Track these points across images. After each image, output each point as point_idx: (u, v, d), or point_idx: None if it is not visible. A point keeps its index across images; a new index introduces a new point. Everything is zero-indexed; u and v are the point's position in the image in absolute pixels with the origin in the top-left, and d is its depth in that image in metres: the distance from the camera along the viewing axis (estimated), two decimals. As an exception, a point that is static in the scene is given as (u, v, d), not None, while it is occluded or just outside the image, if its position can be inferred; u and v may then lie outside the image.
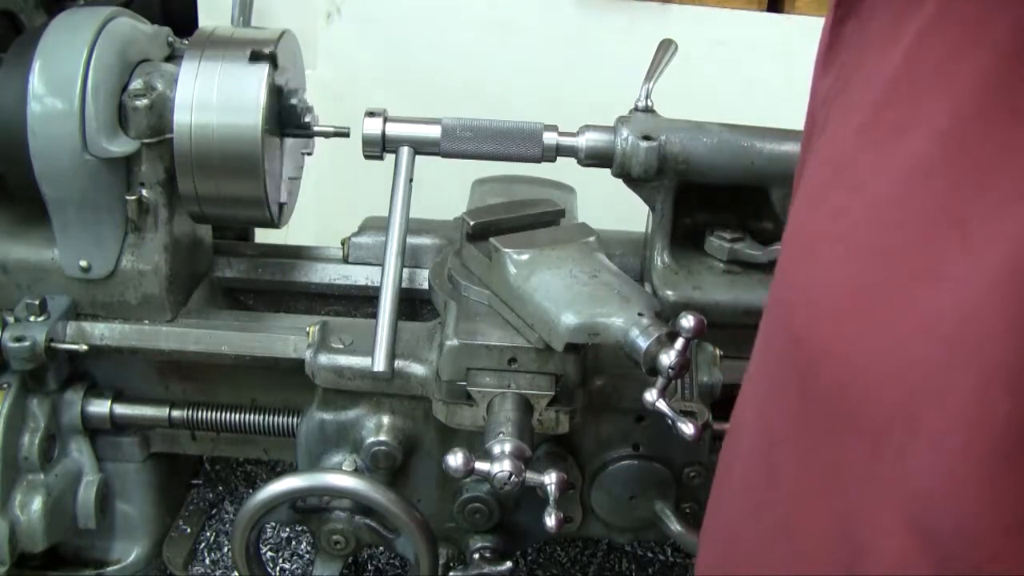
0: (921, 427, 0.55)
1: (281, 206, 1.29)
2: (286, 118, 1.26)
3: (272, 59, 1.20)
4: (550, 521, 1.02)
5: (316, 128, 1.32)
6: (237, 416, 1.35)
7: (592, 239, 1.17)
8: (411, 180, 1.23)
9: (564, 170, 1.31)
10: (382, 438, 1.22)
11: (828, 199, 0.65)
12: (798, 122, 1.25)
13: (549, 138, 1.25)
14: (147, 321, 1.30)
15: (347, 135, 1.32)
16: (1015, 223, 0.52)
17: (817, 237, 0.65)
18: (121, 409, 1.34)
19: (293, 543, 1.54)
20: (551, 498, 1.03)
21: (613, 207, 1.32)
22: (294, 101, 1.26)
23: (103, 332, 1.29)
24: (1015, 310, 0.51)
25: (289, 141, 1.31)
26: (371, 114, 1.24)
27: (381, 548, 1.47)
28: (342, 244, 1.46)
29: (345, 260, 1.47)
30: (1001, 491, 0.53)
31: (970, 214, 0.55)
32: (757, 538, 0.70)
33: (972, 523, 0.54)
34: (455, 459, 1.00)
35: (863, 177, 0.62)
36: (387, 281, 1.16)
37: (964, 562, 0.54)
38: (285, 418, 1.34)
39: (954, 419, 0.54)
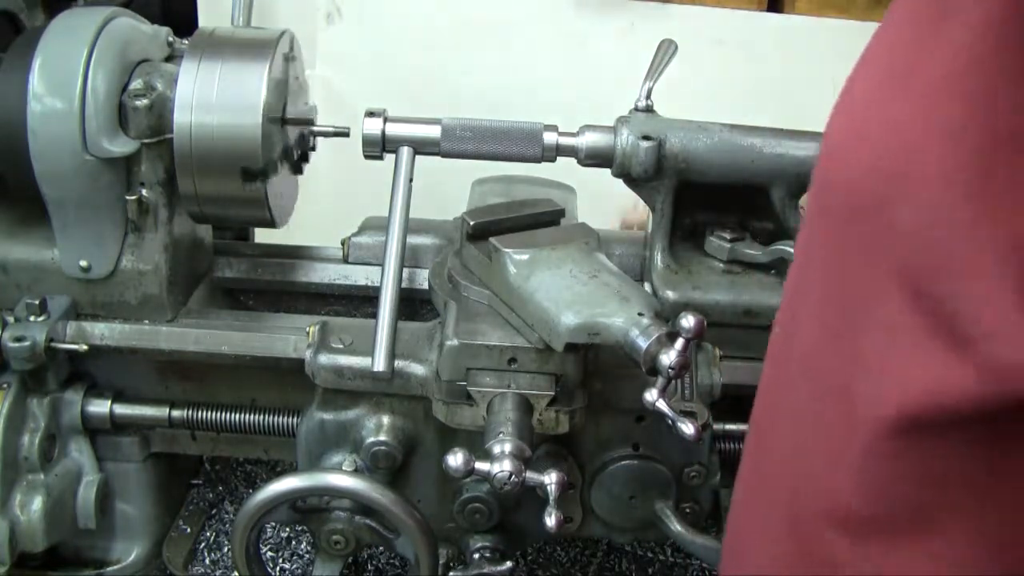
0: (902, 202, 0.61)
1: (286, 207, 1.29)
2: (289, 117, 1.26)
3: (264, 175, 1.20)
4: (550, 521, 1.02)
5: (316, 128, 1.33)
6: (237, 416, 1.35)
7: (592, 239, 1.17)
8: (411, 180, 1.23)
9: (564, 170, 1.31)
10: (382, 438, 1.22)
11: (866, 52, 0.70)
12: (798, 122, 1.26)
13: (549, 138, 1.25)
14: (147, 321, 1.30)
15: (347, 135, 1.32)
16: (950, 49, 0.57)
17: (850, 81, 0.70)
18: (121, 409, 1.34)
19: (293, 543, 1.54)
20: (551, 498, 1.02)
21: (613, 207, 1.32)
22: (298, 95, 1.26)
23: (103, 332, 1.29)
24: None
25: (288, 139, 1.31)
26: (371, 114, 1.24)
27: (381, 548, 1.47)
28: (342, 244, 1.46)
29: (345, 260, 1.47)
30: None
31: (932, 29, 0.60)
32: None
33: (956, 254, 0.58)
34: (455, 459, 1.00)
35: (889, 16, 0.67)
36: (387, 281, 1.16)
37: (944, 286, 0.58)
38: (285, 418, 1.34)
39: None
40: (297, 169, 1.36)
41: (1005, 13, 0.56)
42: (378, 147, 1.24)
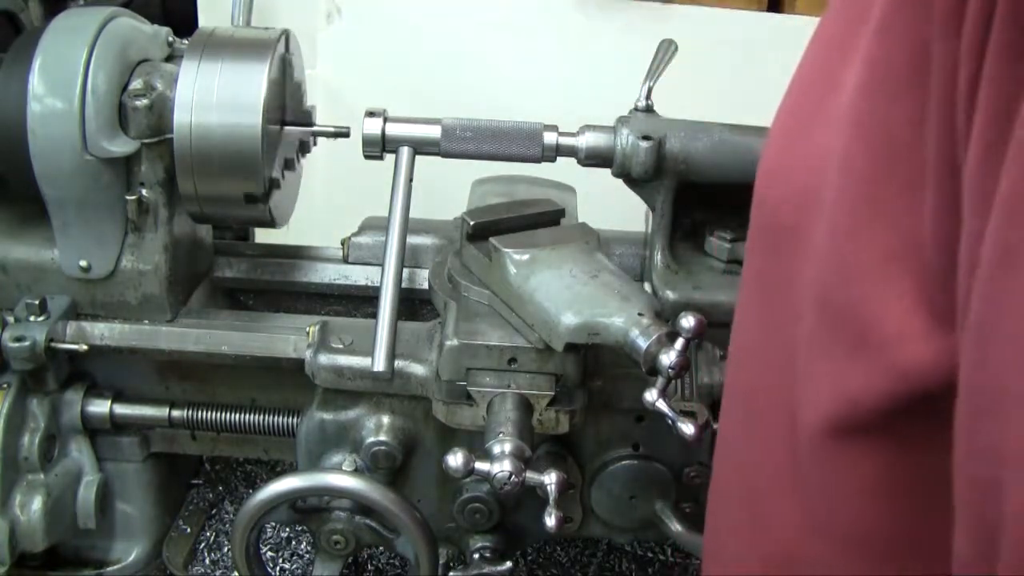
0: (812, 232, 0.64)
1: (273, 181, 1.28)
2: (289, 113, 1.26)
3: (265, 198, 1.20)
4: (550, 521, 1.02)
5: (316, 128, 1.33)
6: (237, 416, 1.35)
7: (592, 239, 1.17)
8: (411, 180, 1.23)
9: (564, 170, 1.31)
10: (382, 438, 1.22)
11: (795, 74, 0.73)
12: (798, 122, 1.25)
13: (549, 138, 1.25)
14: (147, 321, 1.30)
15: (347, 135, 1.32)
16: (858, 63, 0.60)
17: (782, 104, 0.73)
18: (121, 409, 1.34)
19: (293, 543, 1.54)
20: (551, 498, 1.02)
21: (613, 207, 1.32)
22: (298, 94, 1.26)
23: (103, 332, 1.29)
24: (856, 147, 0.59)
25: (288, 132, 1.31)
26: (371, 114, 1.24)
27: (381, 548, 1.47)
28: (342, 244, 1.46)
29: (345, 260, 1.47)
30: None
31: (849, 46, 0.62)
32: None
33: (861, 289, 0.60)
34: (455, 459, 1.00)
35: (819, 30, 0.71)
36: (387, 281, 1.16)
37: (850, 293, 0.60)
38: (285, 418, 1.34)
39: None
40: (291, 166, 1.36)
41: (884, 24, 0.59)
42: (378, 147, 1.24)
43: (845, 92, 0.61)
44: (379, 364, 1.13)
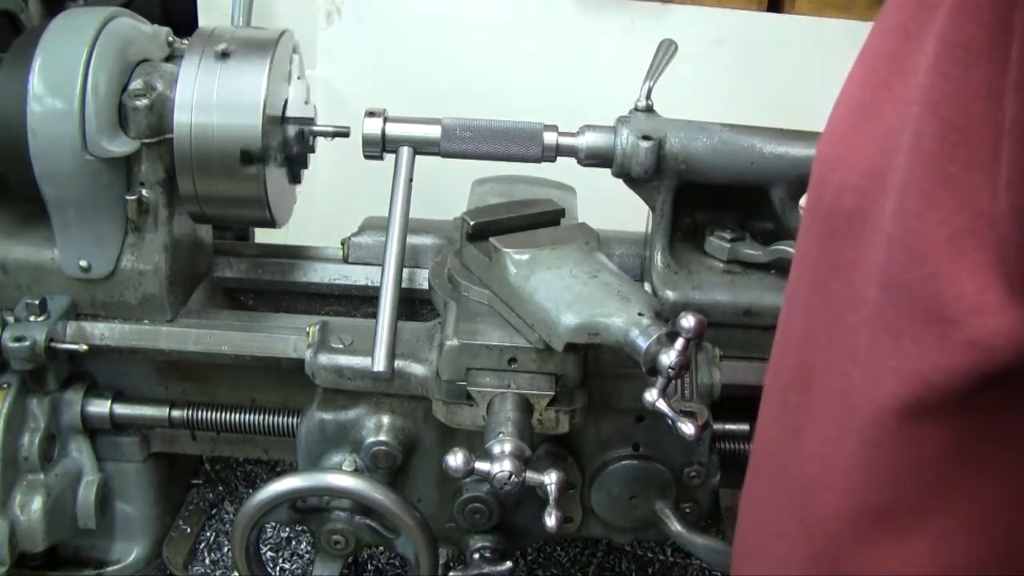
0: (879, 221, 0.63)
1: (286, 207, 1.29)
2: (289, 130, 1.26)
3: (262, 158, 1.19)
4: (550, 521, 1.02)
5: (316, 128, 1.33)
6: (237, 416, 1.35)
7: (592, 239, 1.17)
8: (411, 180, 1.23)
9: (564, 170, 1.31)
10: (382, 438, 1.22)
11: (857, 59, 0.72)
12: (798, 122, 1.25)
13: (549, 138, 1.25)
14: (147, 321, 1.30)
15: (347, 135, 1.32)
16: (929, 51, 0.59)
17: (843, 88, 0.72)
18: (121, 409, 1.34)
19: (293, 543, 1.54)
20: (551, 498, 1.02)
21: (613, 207, 1.32)
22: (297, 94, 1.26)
23: (103, 332, 1.29)
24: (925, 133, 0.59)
25: (288, 138, 1.31)
26: (371, 114, 1.24)
27: (381, 548, 1.47)
28: (342, 244, 1.46)
29: (345, 260, 1.47)
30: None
31: (915, 43, 0.62)
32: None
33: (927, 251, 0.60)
34: (455, 459, 1.00)
35: (879, 20, 0.70)
36: (387, 281, 1.16)
37: (923, 271, 0.59)
38: (285, 418, 1.34)
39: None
40: (295, 178, 1.36)
41: (948, 24, 0.58)
42: (378, 147, 1.24)
43: (914, 74, 0.61)
44: (379, 364, 1.13)
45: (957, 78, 0.57)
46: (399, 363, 1.17)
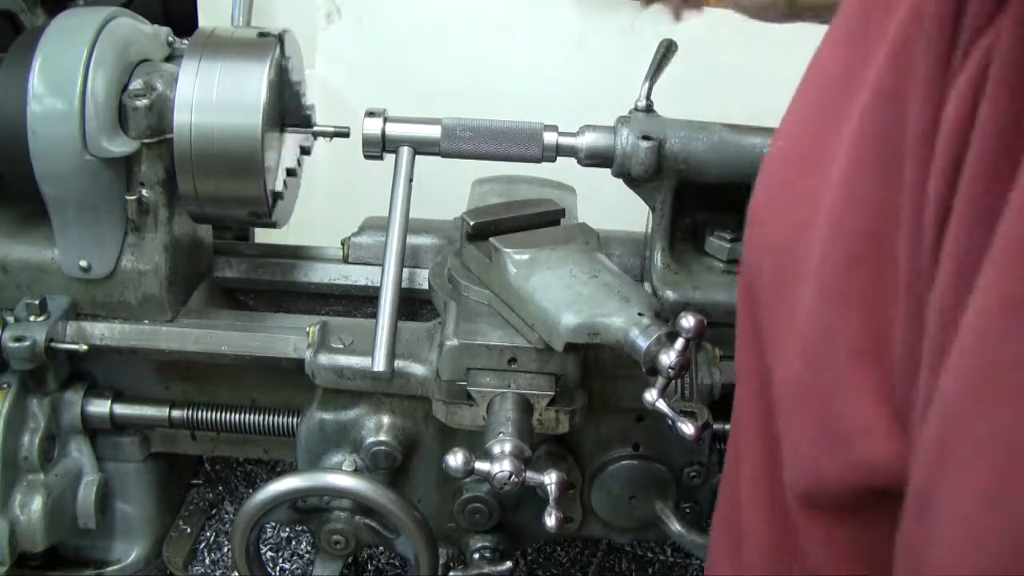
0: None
1: (276, 195, 1.29)
2: (289, 114, 1.26)
3: (280, 41, 1.19)
4: (550, 521, 1.02)
5: (316, 128, 1.33)
6: (237, 416, 1.35)
7: (592, 239, 1.17)
8: (411, 180, 1.23)
9: (564, 170, 1.31)
10: (382, 438, 1.22)
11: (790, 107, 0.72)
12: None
13: (549, 138, 1.25)
14: (147, 321, 1.30)
15: (347, 135, 1.32)
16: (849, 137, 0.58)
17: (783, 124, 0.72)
18: (121, 409, 1.34)
19: (293, 543, 1.54)
20: (551, 498, 1.02)
21: (613, 207, 1.32)
22: (298, 95, 1.26)
23: (103, 332, 1.29)
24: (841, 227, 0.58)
25: (288, 138, 1.31)
26: (371, 114, 1.23)
27: (381, 548, 1.47)
28: (342, 244, 1.46)
29: (345, 260, 1.47)
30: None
31: (842, 117, 0.60)
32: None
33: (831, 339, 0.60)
34: (455, 459, 1.00)
35: (805, 79, 0.70)
36: (387, 281, 1.16)
37: (826, 378, 0.59)
38: (285, 418, 1.34)
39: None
40: (295, 177, 1.36)
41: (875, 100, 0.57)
42: (378, 147, 1.24)
43: (836, 161, 0.59)
44: (379, 364, 1.13)
45: (865, 203, 0.56)
46: (399, 363, 1.17)
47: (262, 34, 1.26)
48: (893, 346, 0.55)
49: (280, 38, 1.25)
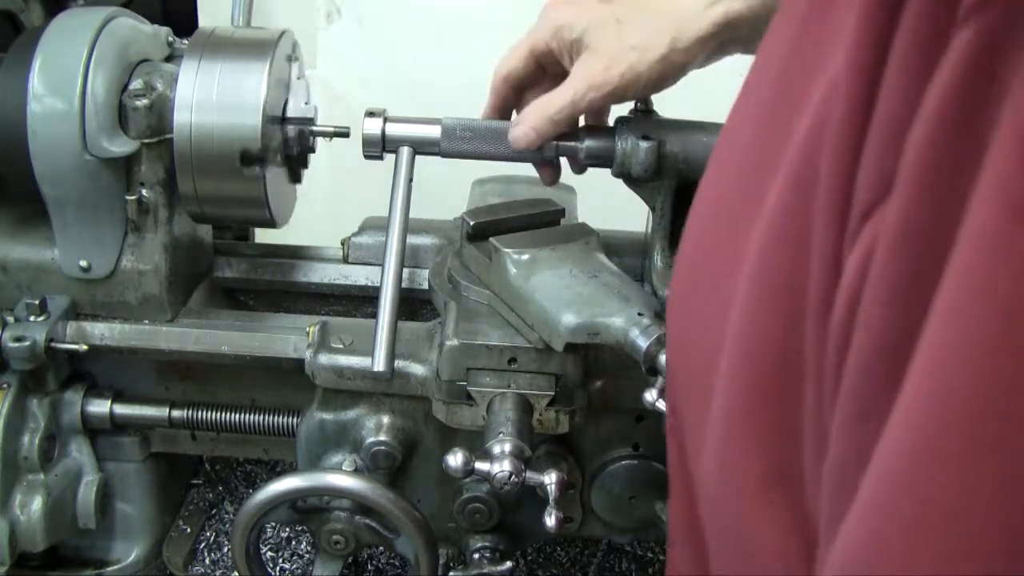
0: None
1: (285, 207, 1.29)
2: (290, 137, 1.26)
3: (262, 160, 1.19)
4: (550, 521, 1.02)
5: (316, 128, 1.32)
6: (237, 416, 1.35)
7: (592, 239, 1.17)
8: (411, 180, 1.23)
9: (564, 170, 1.30)
10: (382, 438, 1.22)
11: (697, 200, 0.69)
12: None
13: (549, 138, 1.24)
14: (147, 321, 1.30)
15: (347, 135, 1.32)
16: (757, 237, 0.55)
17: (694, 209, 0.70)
18: (121, 409, 1.34)
19: (293, 543, 1.54)
20: (551, 498, 1.03)
21: (613, 207, 1.32)
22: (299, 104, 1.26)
23: (103, 332, 1.29)
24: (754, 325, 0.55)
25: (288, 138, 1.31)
26: (371, 114, 1.23)
27: (381, 548, 1.47)
28: (342, 244, 1.46)
29: (345, 260, 1.47)
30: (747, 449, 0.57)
31: (747, 218, 0.57)
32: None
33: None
34: (455, 459, 1.00)
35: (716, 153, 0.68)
36: (387, 281, 1.16)
37: (726, 504, 0.59)
38: (285, 418, 1.34)
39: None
40: (296, 177, 1.36)
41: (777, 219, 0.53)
42: (378, 147, 1.24)
43: (743, 268, 0.56)
44: (379, 364, 1.13)
45: (768, 337, 0.54)
46: (399, 363, 1.17)
47: (262, 34, 1.25)
48: (803, 475, 0.53)
49: (280, 38, 1.24)
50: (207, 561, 1.51)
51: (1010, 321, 0.37)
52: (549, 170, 1.23)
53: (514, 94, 1.19)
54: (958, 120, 0.39)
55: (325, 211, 1.75)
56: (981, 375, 0.37)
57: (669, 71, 1.08)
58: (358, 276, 1.48)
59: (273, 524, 1.52)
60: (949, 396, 0.38)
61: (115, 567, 1.43)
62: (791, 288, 0.51)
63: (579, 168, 1.24)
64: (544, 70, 1.18)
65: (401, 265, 1.18)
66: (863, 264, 0.43)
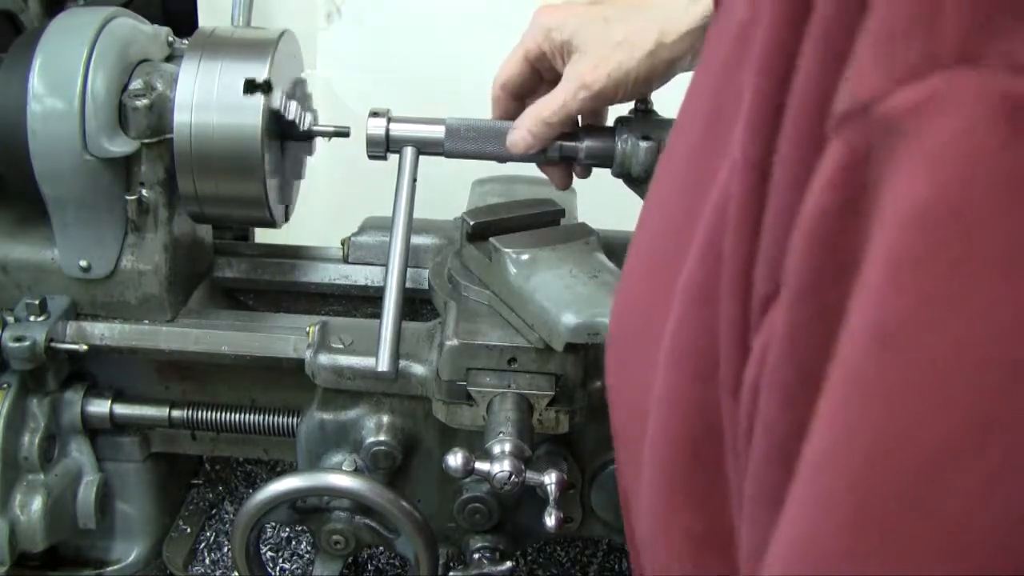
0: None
1: (285, 207, 1.29)
2: (285, 128, 1.26)
3: (267, 87, 1.19)
4: (550, 521, 1.02)
5: (316, 128, 1.32)
6: (237, 416, 1.35)
7: (592, 239, 1.17)
8: (415, 180, 1.22)
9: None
10: (382, 438, 1.22)
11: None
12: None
13: (550, 138, 1.24)
14: (147, 321, 1.30)
15: (347, 135, 1.32)
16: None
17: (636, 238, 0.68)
18: (121, 409, 1.34)
19: (293, 543, 1.54)
20: (551, 498, 1.03)
21: (613, 207, 1.32)
22: (294, 107, 1.26)
23: (103, 332, 1.29)
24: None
25: (290, 141, 1.31)
26: (375, 114, 1.23)
27: (381, 548, 1.47)
28: (342, 244, 1.46)
29: (345, 260, 1.46)
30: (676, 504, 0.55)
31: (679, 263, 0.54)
32: None
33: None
34: (455, 459, 1.00)
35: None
36: (391, 282, 1.16)
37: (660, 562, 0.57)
38: (285, 418, 1.34)
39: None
40: (296, 176, 1.36)
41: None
42: (382, 147, 1.24)
43: (665, 337, 0.54)
44: (383, 364, 1.12)
45: (688, 410, 0.52)
46: (399, 363, 1.17)
47: (262, 34, 1.25)
48: (736, 536, 0.51)
49: (280, 39, 1.24)
50: (207, 561, 1.51)
51: (872, 468, 0.35)
52: (558, 173, 1.23)
53: (514, 103, 1.19)
54: (832, 228, 0.37)
55: (325, 211, 1.75)
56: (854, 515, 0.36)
57: (658, 67, 1.08)
58: (358, 276, 1.48)
59: (273, 524, 1.52)
60: (817, 537, 0.37)
61: (115, 567, 1.43)
62: (707, 359, 0.49)
63: (583, 173, 1.24)
64: (540, 76, 1.18)
65: (405, 265, 1.18)
66: (763, 356, 0.42)
